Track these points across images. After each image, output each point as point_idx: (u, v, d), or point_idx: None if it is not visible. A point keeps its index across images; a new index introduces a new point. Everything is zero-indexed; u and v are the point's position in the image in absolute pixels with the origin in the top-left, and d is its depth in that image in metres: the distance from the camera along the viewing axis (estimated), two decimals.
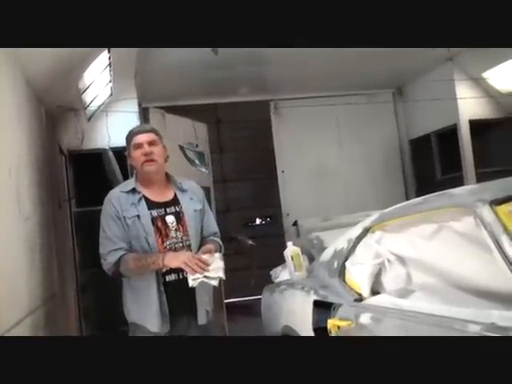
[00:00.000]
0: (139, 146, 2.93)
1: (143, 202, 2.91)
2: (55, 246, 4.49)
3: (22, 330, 2.71)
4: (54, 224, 4.59)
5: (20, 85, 3.43)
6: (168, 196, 3.00)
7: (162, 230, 2.89)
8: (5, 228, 2.81)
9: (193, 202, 3.03)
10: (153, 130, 3.03)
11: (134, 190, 2.94)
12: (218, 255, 2.75)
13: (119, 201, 2.90)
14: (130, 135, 2.99)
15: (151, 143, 2.94)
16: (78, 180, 6.03)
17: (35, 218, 3.46)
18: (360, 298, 2.71)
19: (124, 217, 2.86)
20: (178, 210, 2.96)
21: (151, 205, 2.92)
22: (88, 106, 5.51)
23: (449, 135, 7.57)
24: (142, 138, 2.94)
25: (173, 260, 2.74)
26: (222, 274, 2.70)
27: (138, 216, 2.86)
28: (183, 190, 3.04)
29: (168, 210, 2.94)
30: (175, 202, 2.99)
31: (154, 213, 2.90)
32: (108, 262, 2.82)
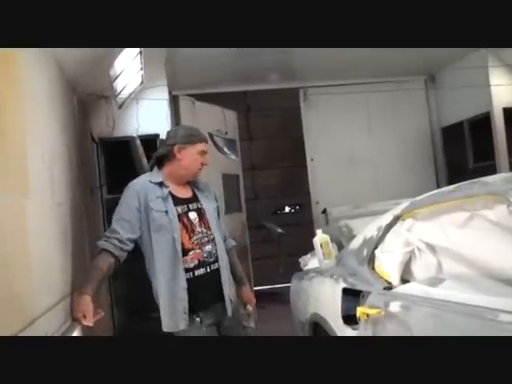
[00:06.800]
0: (203, 153, 3.05)
1: (170, 198, 2.96)
2: (87, 232, 4.55)
3: (54, 316, 2.75)
4: (86, 210, 4.65)
5: (54, 73, 3.47)
6: (188, 193, 3.08)
7: (188, 225, 2.94)
8: (38, 213, 2.85)
9: (209, 200, 3.13)
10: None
11: (161, 184, 2.98)
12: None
13: (145, 189, 2.94)
14: (194, 139, 3.05)
15: (207, 152, 3.11)
16: (109, 167, 6.09)
17: (67, 203, 3.50)
18: (389, 287, 2.69)
19: (150, 207, 2.90)
20: (199, 206, 3.04)
21: (176, 201, 2.98)
22: (119, 93, 5.56)
23: (482, 123, 7.44)
24: (206, 147, 3.09)
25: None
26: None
27: (166, 212, 2.91)
28: (199, 189, 3.13)
29: (190, 206, 3.02)
30: (195, 199, 3.07)
31: (179, 209, 2.96)
32: (99, 243, 2.91)
